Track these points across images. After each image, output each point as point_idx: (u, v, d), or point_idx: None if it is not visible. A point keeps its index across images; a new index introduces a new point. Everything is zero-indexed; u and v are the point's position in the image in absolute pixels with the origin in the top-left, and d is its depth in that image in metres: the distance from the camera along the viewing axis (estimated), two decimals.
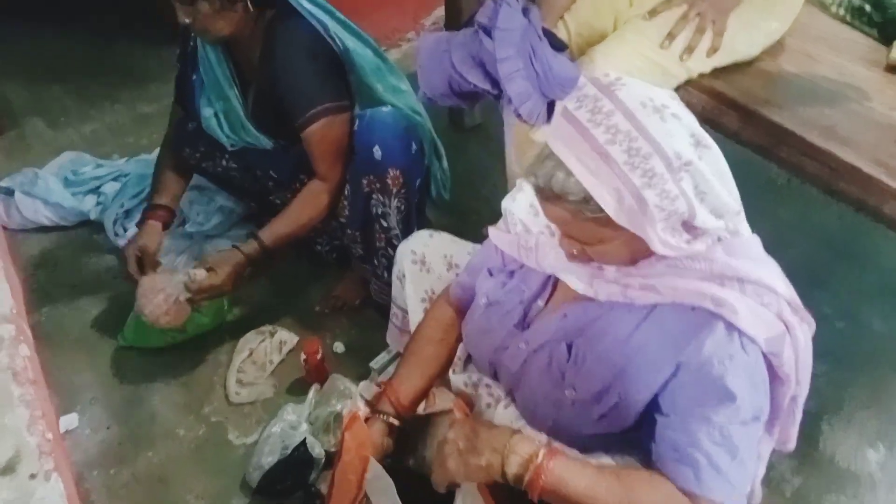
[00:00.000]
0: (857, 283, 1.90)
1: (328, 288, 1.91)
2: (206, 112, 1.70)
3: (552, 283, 1.09)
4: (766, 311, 0.94)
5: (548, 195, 0.89)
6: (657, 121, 0.86)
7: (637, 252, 0.94)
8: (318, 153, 1.58)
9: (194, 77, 1.70)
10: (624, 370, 0.96)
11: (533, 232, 1.08)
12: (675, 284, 0.93)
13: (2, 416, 0.74)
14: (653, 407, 0.97)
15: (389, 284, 1.67)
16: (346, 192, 1.63)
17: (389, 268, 1.66)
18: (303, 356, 1.62)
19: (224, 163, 1.81)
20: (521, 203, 1.11)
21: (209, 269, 1.56)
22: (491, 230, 1.16)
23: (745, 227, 1.02)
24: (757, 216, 2.22)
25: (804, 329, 0.99)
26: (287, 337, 1.76)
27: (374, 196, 1.58)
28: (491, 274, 1.17)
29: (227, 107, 1.68)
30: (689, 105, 1.58)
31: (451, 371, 1.24)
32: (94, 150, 2.38)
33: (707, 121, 1.58)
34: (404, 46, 2.92)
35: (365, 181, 1.56)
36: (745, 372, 0.92)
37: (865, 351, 1.74)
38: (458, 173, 1.98)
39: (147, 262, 1.65)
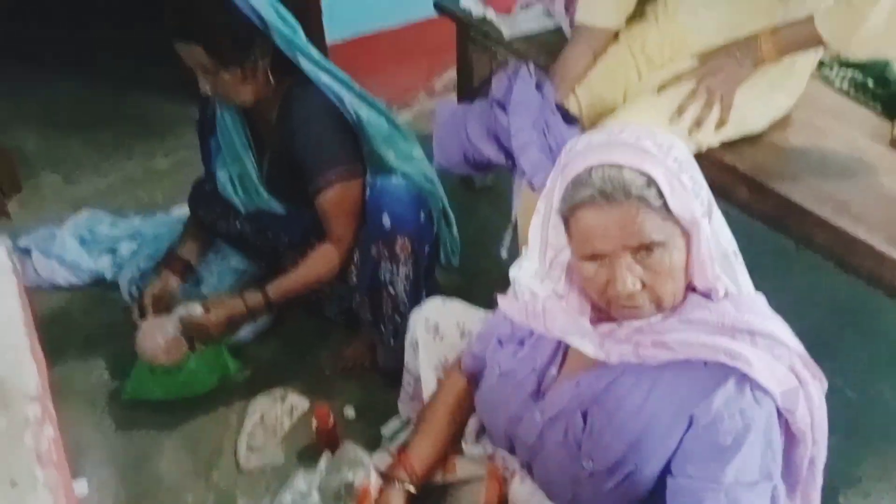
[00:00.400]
0: (867, 354, 1.90)
1: (338, 349, 1.91)
2: (222, 175, 1.74)
3: (563, 350, 1.10)
4: (778, 364, 0.94)
5: (608, 197, 0.89)
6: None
7: (687, 275, 0.96)
8: (332, 217, 1.60)
9: (212, 141, 1.75)
10: (639, 440, 0.96)
11: (540, 297, 1.08)
12: (688, 339, 0.93)
13: (25, 500, 0.74)
14: (665, 471, 0.96)
15: (396, 351, 1.69)
16: (355, 258, 1.65)
17: (396, 334, 1.69)
18: (314, 423, 1.61)
19: (238, 225, 1.84)
20: (527, 270, 1.11)
21: (206, 308, 1.58)
22: (500, 299, 1.16)
23: (747, 280, 1.03)
24: (767, 284, 2.22)
25: (817, 386, 0.99)
26: (298, 401, 1.75)
27: (383, 263, 1.60)
28: (501, 343, 1.18)
29: (241, 171, 1.71)
30: None
31: (463, 442, 1.24)
32: (108, 203, 2.41)
33: (718, 192, 1.59)
34: (416, 107, 2.99)
35: (374, 248, 1.58)
36: (756, 426, 0.91)
37: (878, 423, 1.73)
38: (468, 234, 2.00)
39: (157, 309, 1.68)
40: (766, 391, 0.92)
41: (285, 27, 1.54)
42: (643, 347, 0.96)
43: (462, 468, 1.19)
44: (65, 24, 3.60)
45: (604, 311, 1.00)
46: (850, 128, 1.61)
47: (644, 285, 0.92)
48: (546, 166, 1.40)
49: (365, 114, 1.63)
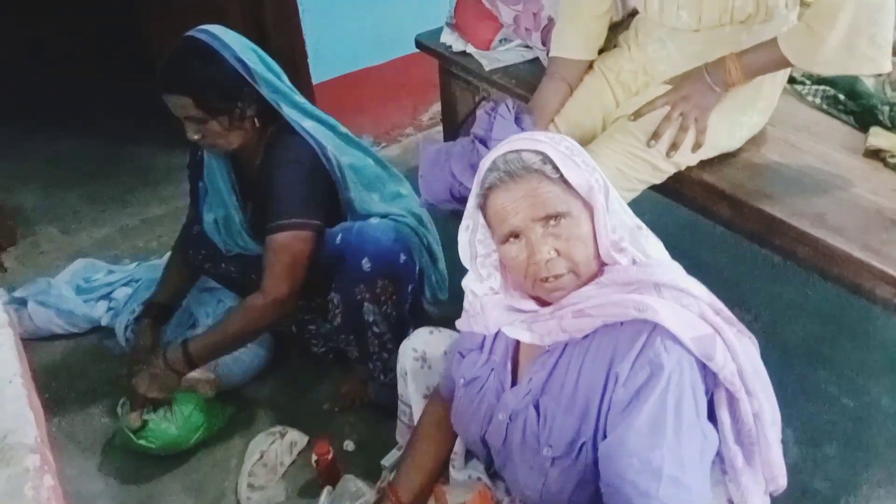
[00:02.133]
0: (861, 360, 1.91)
1: (335, 385, 1.92)
2: (208, 217, 1.78)
3: (514, 347, 1.16)
4: (686, 311, 0.99)
5: (511, 175, 1.01)
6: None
7: (596, 244, 1.04)
8: (270, 263, 1.57)
9: (200, 184, 1.79)
10: (585, 412, 1.01)
11: (479, 296, 1.14)
12: (600, 301, 1.00)
13: None
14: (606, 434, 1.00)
15: (387, 385, 1.71)
16: (335, 301, 1.64)
17: (385, 370, 1.72)
18: (314, 458, 1.62)
19: (223, 265, 1.88)
20: (469, 276, 1.18)
21: (132, 373, 1.64)
22: (458, 321, 1.23)
23: (660, 251, 1.09)
24: (755, 295, 2.26)
25: (743, 340, 1.03)
26: (297, 437, 1.76)
27: (366, 304, 1.62)
28: (463, 356, 1.23)
29: (226, 214, 1.75)
30: (680, 196, 1.66)
31: (451, 466, 1.27)
32: (105, 253, 2.45)
33: (700, 210, 1.64)
34: (404, 141, 3.04)
35: (356, 290, 1.60)
36: (664, 373, 0.95)
37: (877, 429, 1.74)
38: (457, 262, 2.02)
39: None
40: (675, 339, 0.96)
41: (270, 75, 1.59)
42: (565, 320, 1.02)
43: (452, 496, 1.21)
44: (63, 83, 3.69)
45: (537, 298, 1.08)
46: (823, 142, 1.64)
47: (559, 253, 1.01)
48: None
49: (348, 159, 1.66)
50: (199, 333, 1.69)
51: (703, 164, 1.58)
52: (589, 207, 1.03)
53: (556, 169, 1.01)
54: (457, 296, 1.93)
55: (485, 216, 1.08)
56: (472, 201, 1.10)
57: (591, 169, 1.04)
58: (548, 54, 1.77)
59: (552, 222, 1.01)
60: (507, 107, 1.50)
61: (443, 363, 1.40)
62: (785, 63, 1.43)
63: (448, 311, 1.96)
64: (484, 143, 1.44)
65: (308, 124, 1.62)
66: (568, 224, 1.01)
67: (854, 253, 1.33)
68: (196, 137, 1.58)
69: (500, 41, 2.10)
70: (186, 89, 1.51)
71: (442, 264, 1.85)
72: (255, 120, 1.61)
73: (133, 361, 1.79)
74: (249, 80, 1.56)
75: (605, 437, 1.00)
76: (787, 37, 1.40)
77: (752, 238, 1.55)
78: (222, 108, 1.55)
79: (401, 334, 1.63)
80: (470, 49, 2.13)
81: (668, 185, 1.61)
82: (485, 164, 1.06)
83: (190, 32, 1.58)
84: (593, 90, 1.67)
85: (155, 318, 1.88)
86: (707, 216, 1.63)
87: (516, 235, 1.03)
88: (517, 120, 1.45)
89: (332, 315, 1.68)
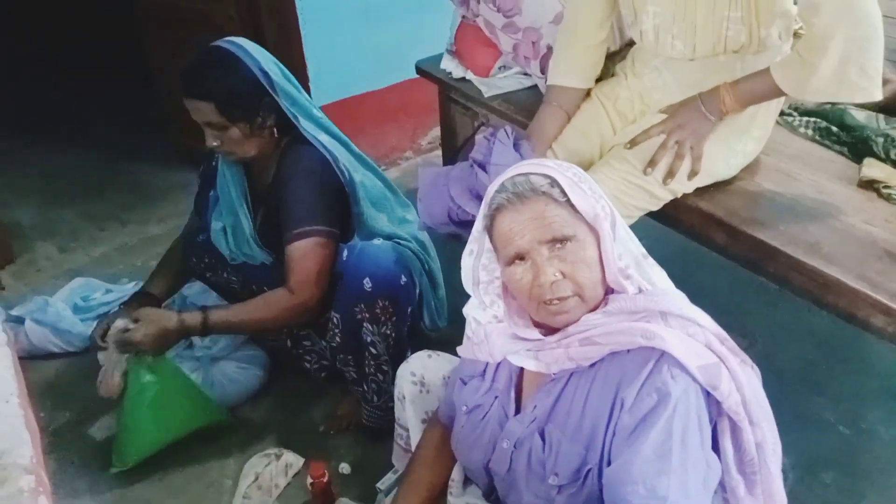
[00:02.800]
0: (856, 387, 1.92)
1: (331, 406, 1.92)
2: (216, 225, 1.79)
3: (518, 375, 1.15)
4: (692, 341, 0.99)
5: (519, 196, 1.02)
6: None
7: (602, 270, 1.04)
8: (293, 267, 1.60)
9: (211, 193, 1.81)
10: (591, 439, 1.01)
11: (483, 324, 1.14)
12: (608, 330, 1.00)
13: None
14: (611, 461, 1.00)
15: (380, 409, 1.73)
16: (335, 320, 1.65)
17: (379, 393, 1.72)
18: (309, 480, 1.61)
19: (225, 275, 1.88)
20: (472, 303, 1.18)
21: (135, 320, 1.58)
22: (459, 348, 1.23)
23: (664, 279, 1.10)
24: (752, 321, 2.26)
25: (746, 370, 1.03)
26: (293, 459, 1.75)
27: (365, 324, 1.62)
28: (464, 382, 1.23)
29: (235, 222, 1.76)
30: (677, 223, 1.67)
31: (448, 493, 1.26)
32: (102, 271, 2.45)
33: (696, 237, 1.65)
34: (403, 164, 3.07)
35: (357, 310, 1.61)
36: (670, 400, 0.95)
37: (873, 458, 1.74)
38: (458, 286, 2.02)
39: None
40: (682, 367, 0.96)
41: (290, 87, 1.63)
42: (572, 348, 1.02)
43: None
44: (60, 96, 3.71)
45: (541, 326, 1.08)
46: (817, 171, 1.66)
47: (564, 275, 1.01)
48: None
49: (359, 177, 1.69)
50: (220, 306, 1.67)
51: (700, 192, 1.60)
52: (595, 233, 1.04)
53: (564, 193, 1.02)
54: (456, 322, 1.96)
55: (491, 238, 1.09)
56: (478, 224, 1.11)
57: (597, 196, 1.06)
58: (546, 82, 1.80)
59: (558, 245, 1.02)
60: (506, 132, 1.52)
61: (441, 388, 1.40)
62: (778, 92, 1.45)
63: (446, 335, 1.97)
64: (483, 167, 1.45)
65: (323, 138, 1.66)
66: (574, 248, 1.02)
67: (848, 282, 1.34)
68: (215, 144, 1.61)
69: (500, 68, 2.13)
70: (210, 95, 1.54)
71: (442, 291, 1.86)
72: (274, 130, 1.64)
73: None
74: (270, 90, 1.59)
75: (610, 463, 0.99)
76: (779, 66, 1.42)
77: (748, 265, 1.56)
78: (243, 116, 1.58)
79: (399, 357, 1.64)
80: (469, 76, 2.17)
81: (664, 211, 1.62)
82: (493, 187, 1.08)
83: (215, 42, 1.62)
84: (591, 117, 1.70)
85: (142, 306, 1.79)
86: (703, 243, 1.65)
87: (522, 257, 1.03)
88: (516, 146, 1.47)
89: (332, 334, 1.68)
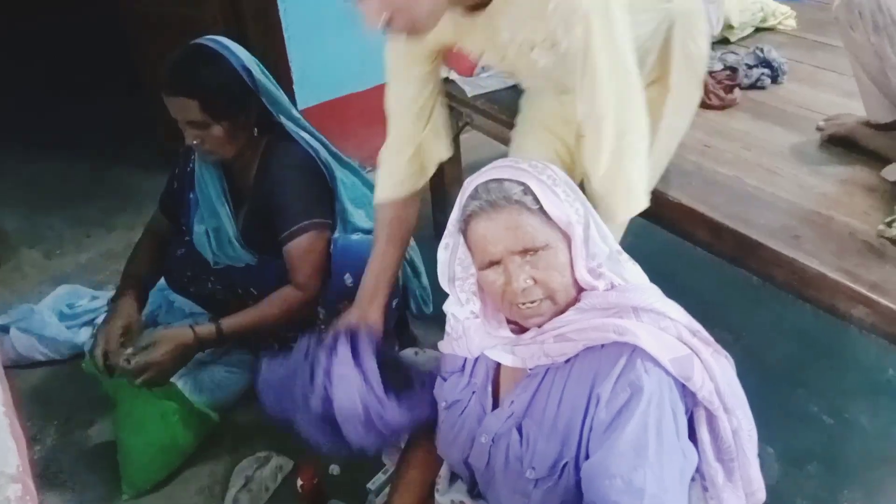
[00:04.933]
0: (840, 381, 1.94)
1: None
2: (198, 229, 1.78)
3: (495, 370, 1.17)
4: (664, 334, 1.01)
5: (493, 204, 1.02)
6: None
7: (573, 271, 1.05)
8: (298, 264, 1.63)
9: (191, 196, 1.79)
10: (567, 433, 1.03)
11: (461, 320, 1.16)
12: (581, 326, 1.02)
13: None
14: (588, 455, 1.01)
15: None
16: (321, 315, 1.67)
17: None
18: (299, 483, 1.61)
19: (209, 284, 1.87)
20: (450, 299, 1.19)
21: (154, 344, 1.57)
22: (440, 342, 1.25)
23: (637, 274, 1.12)
24: (736, 316, 2.27)
25: (720, 360, 1.05)
26: (283, 462, 1.75)
27: None
28: (445, 379, 1.25)
29: (217, 224, 1.76)
30: (660, 219, 1.69)
31: (435, 490, 1.27)
32: (89, 277, 2.44)
33: (679, 233, 1.67)
34: None
35: (341, 307, 1.60)
36: (644, 394, 0.97)
37: (857, 450, 1.76)
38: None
39: (130, 338, 1.66)
40: (655, 361, 0.98)
41: (271, 86, 1.63)
42: (547, 344, 1.04)
43: None
44: (44, 100, 3.69)
45: (517, 323, 1.10)
46: (797, 167, 1.68)
47: (535, 281, 1.03)
48: (370, 439, 1.26)
49: (339, 174, 1.71)
50: (230, 315, 1.66)
51: (682, 187, 1.62)
52: (567, 237, 1.06)
53: (537, 200, 1.03)
54: (437, 318, 1.96)
55: (465, 240, 1.10)
56: (453, 224, 1.12)
57: (571, 200, 1.06)
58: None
59: (530, 254, 1.03)
60: (345, 338, 1.32)
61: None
62: None
63: (433, 328, 1.97)
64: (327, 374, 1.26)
65: (304, 135, 1.67)
66: (546, 255, 1.03)
67: (829, 274, 1.36)
68: (195, 143, 1.60)
69: (483, 68, 2.14)
70: (194, 92, 1.53)
71: (425, 279, 1.87)
72: (254, 129, 1.64)
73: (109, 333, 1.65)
74: (253, 88, 1.60)
75: (587, 458, 1.01)
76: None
77: (731, 260, 1.58)
78: (226, 114, 1.57)
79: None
80: (453, 75, 2.17)
81: (647, 209, 1.64)
82: (467, 189, 1.08)
83: (198, 40, 1.62)
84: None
85: (136, 299, 1.77)
86: (687, 239, 1.66)
87: (496, 262, 1.05)
88: (355, 352, 1.29)
89: (318, 329, 1.68)
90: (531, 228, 1.02)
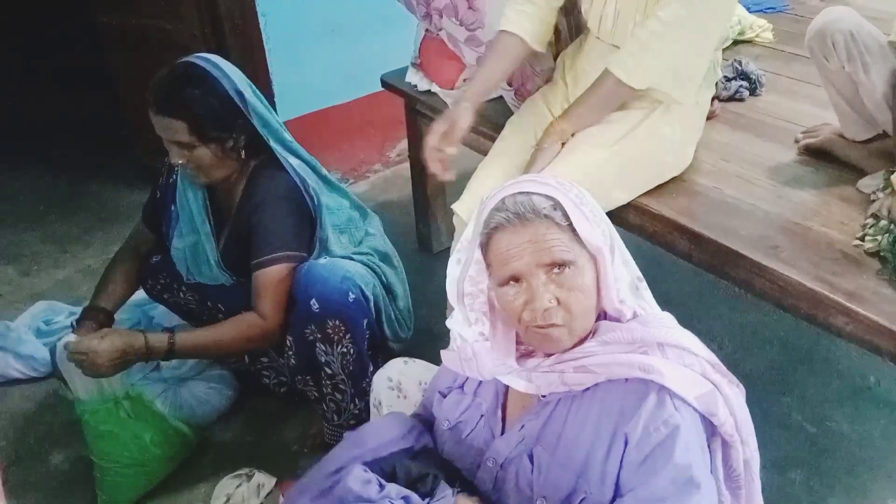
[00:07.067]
0: (821, 388, 1.95)
1: (304, 425, 1.89)
2: (178, 243, 1.75)
3: (504, 393, 1.14)
4: (689, 371, 1.00)
5: (520, 217, 0.98)
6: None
7: (598, 297, 1.03)
8: (265, 294, 1.58)
9: (172, 208, 1.76)
10: (585, 467, 1.00)
11: (469, 341, 1.12)
12: (605, 360, 1.00)
13: None
14: (617, 495, 0.99)
15: (342, 427, 1.71)
16: (289, 342, 1.65)
17: (339, 412, 1.71)
18: (281, 500, 1.59)
19: (182, 294, 1.85)
20: (457, 317, 1.16)
21: (101, 336, 1.51)
22: (443, 353, 1.21)
23: (653, 302, 1.10)
24: (719, 324, 2.29)
25: (735, 391, 1.05)
26: (265, 479, 1.72)
27: (318, 345, 1.61)
28: (443, 395, 1.22)
29: (196, 242, 1.73)
30: (641, 229, 1.70)
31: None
32: (66, 294, 2.40)
33: (660, 244, 1.68)
34: (373, 178, 3.07)
35: (307, 332, 1.59)
36: (681, 432, 0.95)
37: (840, 456, 1.77)
38: (427, 296, 2.03)
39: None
40: (683, 399, 0.97)
41: (263, 109, 1.60)
42: (567, 374, 1.01)
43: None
44: (18, 115, 3.64)
45: (527, 347, 1.07)
46: (774, 176, 1.70)
47: (559, 301, 0.99)
48: None
49: (325, 199, 1.67)
50: (187, 329, 1.63)
51: (662, 197, 1.63)
52: (594, 259, 1.02)
53: (567, 217, 0.99)
54: (420, 332, 1.95)
55: (484, 254, 1.05)
56: (469, 236, 1.08)
57: (598, 221, 1.03)
58: (516, 93, 1.80)
59: (556, 270, 0.99)
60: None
61: (418, 393, 1.39)
62: (617, 88, 1.53)
63: (417, 343, 1.96)
64: None
65: (294, 161, 1.64)
66: (572, 273, 0.99)
67: (807, 284, 1.37)
68: (181, 162, 1.57)
69: (464, 80, 2.15)
70: (183, 113, 1.50)
71: (403, 302, 1.83)
72: (242, 152, 1.62)
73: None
74: (245, 111, 1.56)
75: (613, 496, 0.99)
76: (616, 55, 1.52)
77: (711, 270, 1.59)
78: (216, 138, 1.55)
79: (361, 373, 1.64)
80: (435, 88, 2.18)
81: (628, 218, 1.65)
82: (490, 202, 1.03)
83: (189, 58, 1.58)
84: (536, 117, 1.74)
85: (101, 324, 1.72)
86: (667, 249, 1.67)
87: (517, 279, 1.00)
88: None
89: (287, 356, 1.68)
90: (559, 243, 0.98)
